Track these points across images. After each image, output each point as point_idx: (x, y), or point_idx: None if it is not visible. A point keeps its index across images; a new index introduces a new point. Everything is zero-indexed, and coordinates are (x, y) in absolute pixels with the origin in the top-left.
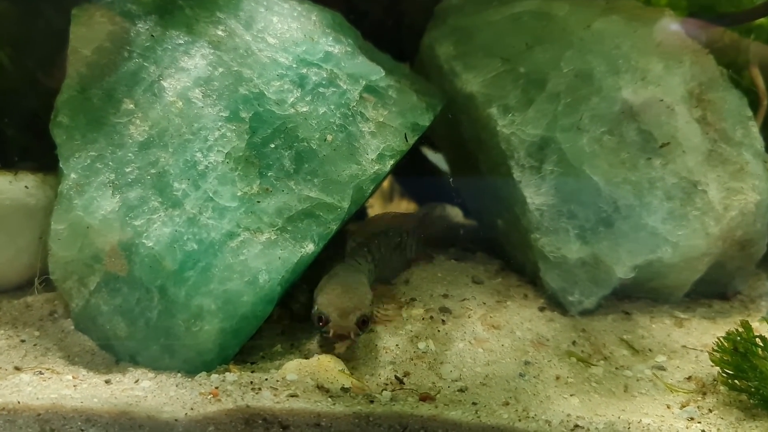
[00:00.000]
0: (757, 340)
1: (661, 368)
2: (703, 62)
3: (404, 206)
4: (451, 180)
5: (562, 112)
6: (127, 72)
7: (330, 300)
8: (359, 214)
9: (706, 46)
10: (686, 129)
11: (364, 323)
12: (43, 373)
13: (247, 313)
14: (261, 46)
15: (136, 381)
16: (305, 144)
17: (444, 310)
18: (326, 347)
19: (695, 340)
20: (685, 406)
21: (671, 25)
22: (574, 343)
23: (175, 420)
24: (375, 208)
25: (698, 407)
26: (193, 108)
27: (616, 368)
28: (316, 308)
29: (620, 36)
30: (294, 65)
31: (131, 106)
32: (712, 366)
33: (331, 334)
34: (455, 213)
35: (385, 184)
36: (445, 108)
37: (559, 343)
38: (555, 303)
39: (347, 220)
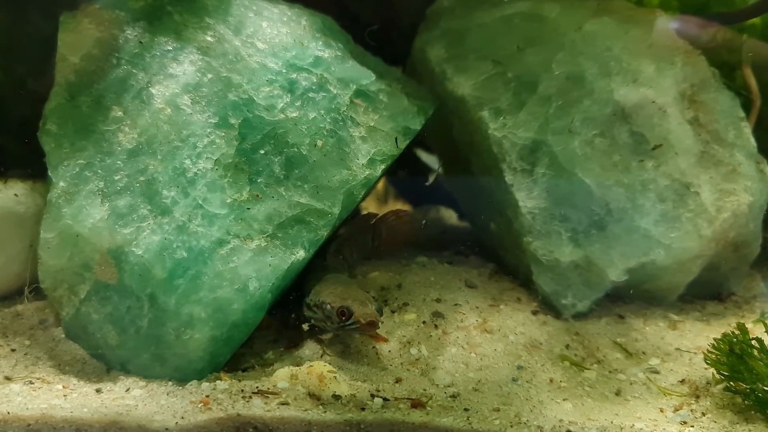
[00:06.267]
0: (753, 341)
1: (655, 371)
2: (695, 63)
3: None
4: (444, 182)
5: (553, 114)
6: (115, 79)
7: (343, 295)
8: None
9: (698, 46)
10: (678, 130)
11: (380, 312)
12: (33, 383)
13: (237, 320)
14: (250, 51)
15: (127, 390)
16: (295, 150)
17: (437, 314)
18: (324, 349)
19: (689, 342)
20: (678, 410)
21: (663, 26)
22: (567, 346)
23: (166, 429)
24: (370, 210)
25: (691, 410)
26: (181, 115)
27: (610, 372)
28: (329, 307)
29: (612, 38)
30: (284, 70)
31: (120, 113)
32: (706, 368)
33: (362, 323)
34: (449, 216)
35: (380, 186)
36: (437, 111)
37: (552, 346)
38: (548, 306)
39: (338, 225)
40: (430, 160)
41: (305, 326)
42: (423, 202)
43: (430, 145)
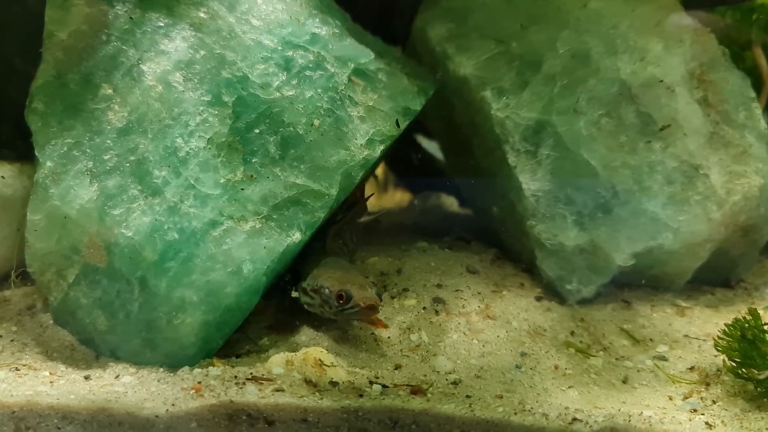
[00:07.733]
0: (766, 327)
1: (663, 358)
2: (704, 42)
3: (398, 196)
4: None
5: (558, 94)
6: (105, 56)
7: (342, 279)
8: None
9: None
10: (687, 111)
11: (380, 297)
12: (19, 369)
13: (231, 304)
14: (245, 28)
15: (117, 376)
16: (291, 129)
17: (437, 300)
18: (328, 333)
19: (697, 329)
20: (687, 398)
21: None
22: (572, 333)
23: (156, 416)
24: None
25: (701, 398)
26: (173, 92)
27: (616, 359)
28: (327, 291)
29: (618, 15)
30: (279, 48)
31: (109, 91)
32: (716, 356)
33: (361, 307)
34: (450, 203)
35: (379, 173)
36: (438, 93)
37: (556, 333)
38: (552, 292)
39: (335, 207)
40: (430, 146)
41: (294, 293)
42: (423, 188)
43: (430, 129)
